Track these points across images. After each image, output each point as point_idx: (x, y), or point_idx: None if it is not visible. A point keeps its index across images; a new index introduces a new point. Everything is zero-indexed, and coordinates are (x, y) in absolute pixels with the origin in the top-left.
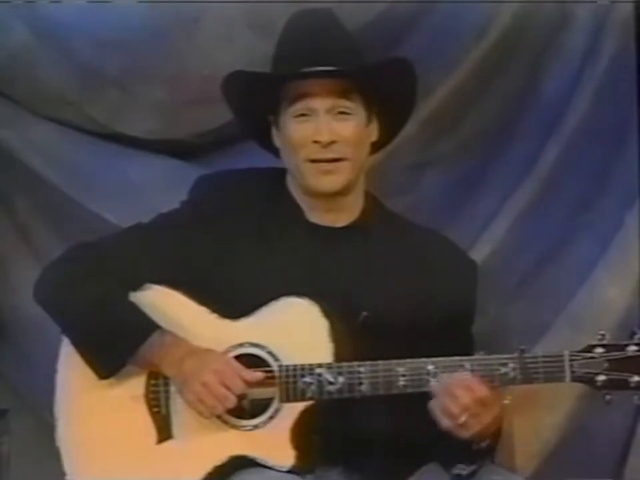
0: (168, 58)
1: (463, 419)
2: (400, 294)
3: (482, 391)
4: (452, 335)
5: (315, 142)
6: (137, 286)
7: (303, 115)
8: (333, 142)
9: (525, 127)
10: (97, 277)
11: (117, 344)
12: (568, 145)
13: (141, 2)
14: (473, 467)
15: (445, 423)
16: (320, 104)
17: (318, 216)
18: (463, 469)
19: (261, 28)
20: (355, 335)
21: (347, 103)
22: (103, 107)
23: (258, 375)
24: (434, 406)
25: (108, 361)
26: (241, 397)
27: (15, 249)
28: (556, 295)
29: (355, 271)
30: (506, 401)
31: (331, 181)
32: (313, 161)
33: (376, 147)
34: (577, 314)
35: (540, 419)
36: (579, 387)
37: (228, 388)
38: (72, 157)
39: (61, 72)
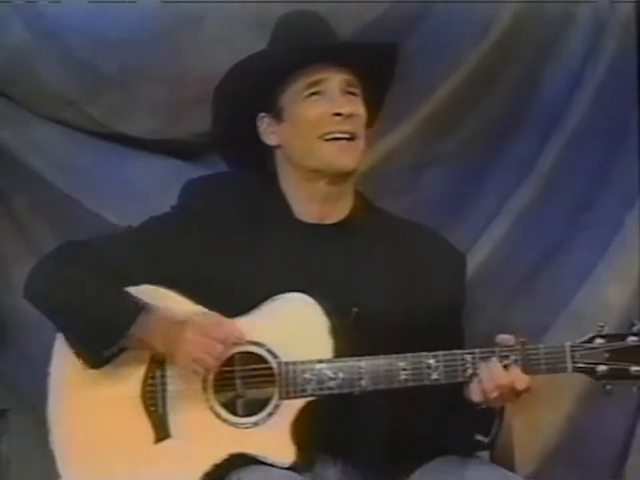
0: (168, 58)
1: (494, 394)
2: (390, 289)
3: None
4: (442, 328)
5: (335, 114)
6: (126, 286)
7: (315, 93)
8: (351, 115)
9: (525, 127)
10: (85, 272)
11: (107, 328)
12: (568, 145)
13: (141, 2)
14: (490, 437)
15: (477, 395)
16: (335, 83)
17: (309, 212)
18: (482, 437)
19: (261, 28)
20: (347, 331)
21: (355, 89)
22: (103, 107)
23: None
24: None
25: (99, 346)
26: (238, 395)
27: (14, 249)
28: (556, 295)
29: (345, 267)
30: None
31: (348, 157)
32: (330, 138)
33: None
34: (577, 314)
35: (540, 418)
36: (579, 387)
37: (212, 339)
38: (72, 156)
39: (61, 72)
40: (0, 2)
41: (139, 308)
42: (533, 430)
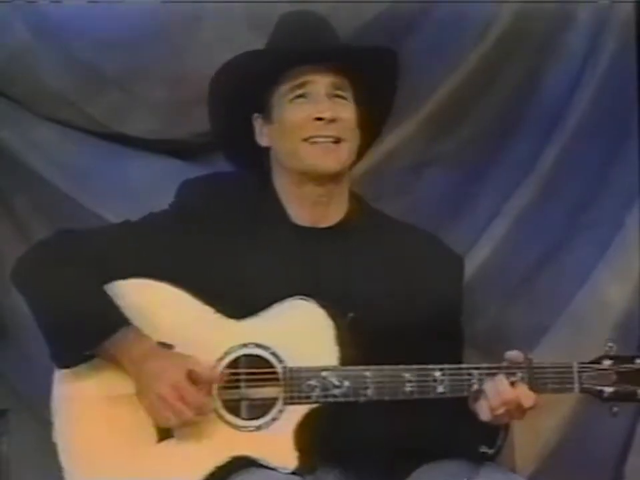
0: (168, 58)
1: (501, 411)
2: (386, 293)
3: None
4: (441, 331)
5: (317, 119)
6: (116, 279)
7: (300, 96)
8: (333, 120)
9: (525, 126)
10: (74, 264)
11: (82, 334)
12: (568, 145)
13: (141, 2)
14: (495, 448)
15: (484, 413)
16: (321, 86)
17: (302, 216)
18: (487, 449)
19: (261, 28)
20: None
21: (343, 92)
22: (103, 107)
23: (200, 400)
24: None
25: (69, 350)
26: (242, 398)
27: (14, 248)
28: (556, 296)
29: (341, 271)
30: None
31: (333, 159)
32: (314, 141)
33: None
34: (577, 314)
35: (540, 419)
36: None
37: (185, 403)
38: (72, 156)
39: (61, 72)
40: (0, 2)
41: (119, 323)
42: (534, 431)
